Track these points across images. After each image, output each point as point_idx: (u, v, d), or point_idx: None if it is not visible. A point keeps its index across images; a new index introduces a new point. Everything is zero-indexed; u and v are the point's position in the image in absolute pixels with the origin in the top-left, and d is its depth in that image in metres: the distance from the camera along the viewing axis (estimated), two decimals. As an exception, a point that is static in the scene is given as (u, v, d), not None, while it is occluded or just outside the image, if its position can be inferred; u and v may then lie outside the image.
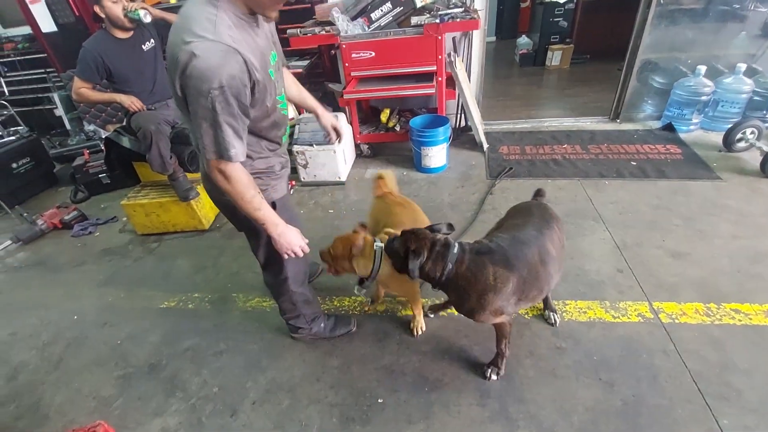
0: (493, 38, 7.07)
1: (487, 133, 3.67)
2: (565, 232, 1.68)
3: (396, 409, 1.65)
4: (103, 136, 3.52)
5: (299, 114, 3.62)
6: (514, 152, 3.45)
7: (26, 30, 4.43)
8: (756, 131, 3.01)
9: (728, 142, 3.09)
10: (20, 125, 4.40)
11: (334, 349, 1.94)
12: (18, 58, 4.59)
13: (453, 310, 2.04)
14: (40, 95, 4.63)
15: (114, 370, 1.98)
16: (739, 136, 3.05)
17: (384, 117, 3.63)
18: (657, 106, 3.73)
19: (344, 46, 3.08)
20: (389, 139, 3.63)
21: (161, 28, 2.56)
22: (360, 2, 3.11)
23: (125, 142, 2.64)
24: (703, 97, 3.33)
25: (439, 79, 3.14)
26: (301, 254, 1.41)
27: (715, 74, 3.41)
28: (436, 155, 3.21)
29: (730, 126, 3.11)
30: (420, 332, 1.94)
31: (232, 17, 1.09)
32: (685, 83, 3.38)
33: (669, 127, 3.53)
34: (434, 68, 3.09)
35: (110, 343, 2.15)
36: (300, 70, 3.67)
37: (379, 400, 1.69)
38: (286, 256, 1.41)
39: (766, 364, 1.65)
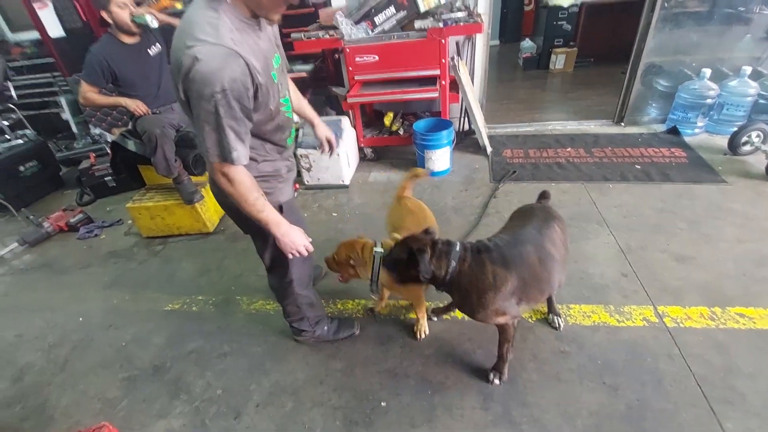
0: (497, 42, 7.08)
1: (490, 137, 3.67)
2: (568, 235, 1.68)
3: (399, 413, 1.65)
4: (109, 140, 3.56)
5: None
6: (517, 155, 3.45)
7: (34, 35, 4.48)
8: (761, 134, 2.99)
9: (733, 145, 3.07)
10: (27, 129, 4.45)
11: (337, 352, 1.94)
12: (26, 62, 4.65)
13: (457, 313, 2.04)
14: (47, 99, 4.68)
15: (119, 372, 2.00)
16: (744, 139, 3.03)
17: (387, 120, 3.64)
18: (661, 110, 3.72)
19: (348, 50, 3.10)
20: (393, 142, 3.64)
21: (168, 33, 2.56)
22: (364, 6, 3.13)
23: (131, 145, 2.66)
24: (708, 101, 3.31)
25: (443, 82, 3.15)
26: (305, 253, 1.42)
27: (720, 77, 3.40)
28: (440, 159, 3.22)
29: (735, 129, 3.09)
30: (423, 335, 1.94)
31: (234, 20, 1.10)
32: (690, 86, 3.37)
33: (674, 131, 3.52)
34: (438, 72, 3.11)
35: (115, 345, 2.16)
36: (304, 74, 3.69)
37: (382, 404, 1.69)
38: (290, 256, 1.42)
39: (771, 368, 1.64)
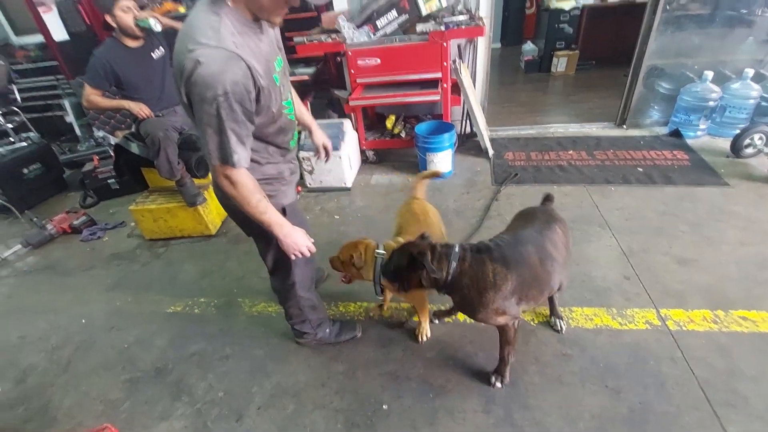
0: (498, 45, 7.10)
1: (492, 140, 3.68)
2: (571, 237, 1.68)
3: (400, 415, 1.65)
4: (113, 142, 3.59)
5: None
6: (519, 158, 3.45)
7: (38, 38, 4.52)
8: (764, 137, 2.99)
9: (736, 147, 3.07)
10: (31, 131, 4.48)
11: (339, 355, 1.94)
12: (30, 65, 4.69)
13: (459, 316, 2.04)
14: (50, 102, 4.71)
15: (121, 374, 2.00)
16: (747, 141, 3.03)
17: (389, 123, 3.65)
18: (664, 112, 3.72)
19: (350, 53, 3.11)
20: (395, 145, 3.65)
21: (171, 36, 2.59)
22: (366, 10, 3.14)
23: (134, 148, 2.68)
24: (711, 103, 3.31)
25: (444, 85, 3.16)
26: (308, 254, 1.43)
27: (722, 80, 3.40)
28: (442, 161, 3.22)
29: (737, 132, 3.09)
30: (425, 338, 1.94)
31: (235, 24, 1.11)
32: (692, 89, 3.37)
33: (676, 133, 3.51)
34: (439, 75, 3.12)
35: (118, 347, 2.17)
36: (306, 77, 3.71)
37: (384, 406, 1.69)
38: (293, 257, 1.42)
39: (775, 372, 1.63)
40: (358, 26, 3.11)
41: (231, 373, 1.93)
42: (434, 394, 1.71)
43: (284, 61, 1.36)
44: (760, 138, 2.99)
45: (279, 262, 1.62)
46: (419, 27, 3.01)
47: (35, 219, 3.31)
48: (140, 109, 2.52)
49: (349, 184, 3.34)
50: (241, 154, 1.17)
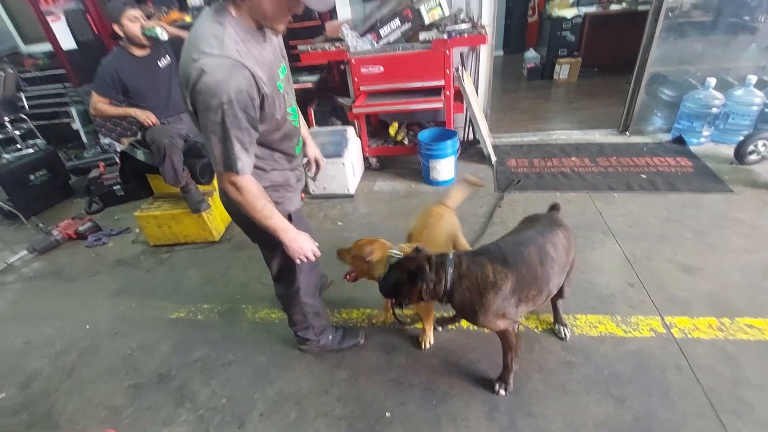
0: (501, 52, 7.12)
1: (495, 146, 3.69)
2: (574, 244, 1.68)
3: (404, 422, 1.64)
4: (119, 149, 3.61)
5: (309, 127, 3.68)
6: (522, 165, 3.46)
7: (47, 47, 4.59)
8: (768, 144, 2.98)
9: (740, 154, 3.06)
10: (38, 138, 4.53)
11: (341, 361, 1.94)
12: (38, 73, 4.75)
13: (463, 323, 2.03)
14: (58, 109, 4.77)
15: (125, 380, 2.01)
16: (750, 148, 3.02)
17: (392, 130, 3.67)
18: (666, 119, 3.72)
19: (353, 61, 3.14)
20: (398, 152, 3.67)
21: (177, 45, 2.62)
22: (369, 19, 3.18)
23: (139, 155, 2.70)
24: (714, 110, 3.31)
25: (447, 93, 3.18)
26: (312, 258, 1.44)
27: (725, 86, 3.40)
28: (444, 168, 3.23)
29: (741, 138, 3.08)
30: (428, 346, 1.93)
31: (239, 32, 1.13)
32: (695, 96, 3.37)
33: (679, 140, 3.51)
34: (442, 83, 3.14)
35: (121, 352, 2.17)
36: (310, 85, 3.74)
37: (387, 414, 1.68)
38: (298, 261, 1.43)
39: (781, 380, 1.62)
40: (362, 35, 3.14)
41: (234, 380, 1.93)
42: (437, 402, 1.71)
43: (288, 68, 1.38)
44: (764, 145, 2.99)
45: (284, 268, 1.63)
46: (422, 35, 3.04)
47: (41, 225, 3.34)
48: (147, 116, 2.55)
49: (352, 191, 3.35)
50: (245, 161, 1.19)
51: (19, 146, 4.25)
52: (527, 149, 3.73)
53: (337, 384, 1.84)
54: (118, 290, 2.66)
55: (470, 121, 3.59)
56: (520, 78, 6.05)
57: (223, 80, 1.06)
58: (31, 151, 3.94)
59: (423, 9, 2.97)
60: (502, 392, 1.68)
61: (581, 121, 4.17)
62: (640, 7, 4.87)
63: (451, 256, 1.45)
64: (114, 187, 3.67)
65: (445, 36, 2.96)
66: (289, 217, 1.45)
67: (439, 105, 3.19)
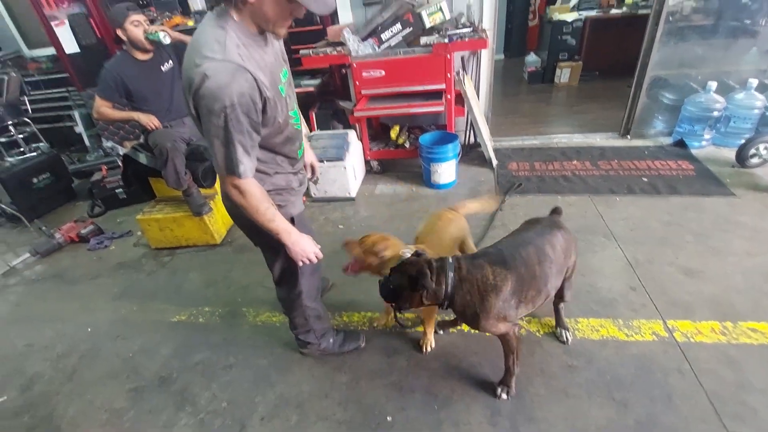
0: (502, 56, 7.14)
1: (496, 150, 3.69)
2: (575, 246, 1.68)
3: (405, 427, 1.64)
4: (121, 153, 3.64)
5: (310, 131, 3.70)
6: (523, 168, 3.46)
7: (50, 51, 4.61)
8: (769, 147, 2.98)
9: (741, 157, 3.06)
10: (41, 141, 4.56)
11: (342, 365, 1.94)
12: (41, 77, 4.79)
13: (464, 327, 2.03)
14: (61, 113, 4.80)
15: (126, 383, 2.01)
16: (752, 151, 3.02)
17: (394, 134, 3.68)
18: (668, 122, 3.72)
19: (355, 65, 3.15)
20: (399, 155, 3.67)
21: (180, 49, 2.65)
22: (370, 23, 3.19)
23: (142, 158, 2.72)
24: (715, 113, 3.31)
25: (448, 96, 3.19)
26: (315, 260, 1.44)
27: (726, 90, 3.40)
28: (446, 171, 3.24)
29: (743, 142, 3.08)
30: (429, 349, 1.93)
31: (241, 37, 1.13)
32: (696, 99, 3.37)
33: (680, 143, 3.51)
34: (443, 86, 3.15)
35: (122, 355, 2.17)
36: (311, 89, 3.76)
37: (388, 418, 1.68)
38: (301, 264, 1.44)
39: (785, 384, 1.61)
40: (363, 39, 3.15)
41: (234, 383, 1.93)
42: (439, 406, 1.70)
43: (289, 72, 1.39)
44: (766, 148, 2.99)
45: (286, 271, 1.63)
46: (423, 39, 3.05)
47: (44, 228, 3.35)
48: (149, 120, 2.56)
49: (353, 194, 3.35)
50: (247, 164, 1.19)
51: (22, 149, 4.28)
52: (528, 152, 3.73)
53: (338, 388, 1.83)
54: (119, 293, 2.67)
55: (471, 124, 3.60)
56: (521, 82, 6.06)
57: (226, 84, 1.07)
58: (34, 154, 3.97)
59: (424, 13, 2.98)
60: (504, 396, 1.67)
61: (582, 125, 4.18)
62: (641, 11, 4.87)
63: (450, 260, 1.45)
64: (116, 191, 3.68)
65: (446, 40, 2.97)
66: (292, 221, 1.46)
67: (441, 108, 3.20)
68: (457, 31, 3.02)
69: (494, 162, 3.52)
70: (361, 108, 3.27)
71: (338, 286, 2.40)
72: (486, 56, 3.57)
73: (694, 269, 2.21)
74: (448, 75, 3.09)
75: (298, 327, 1.85)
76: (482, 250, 1.54)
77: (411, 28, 3.04)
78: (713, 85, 3.28)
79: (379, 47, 3.12)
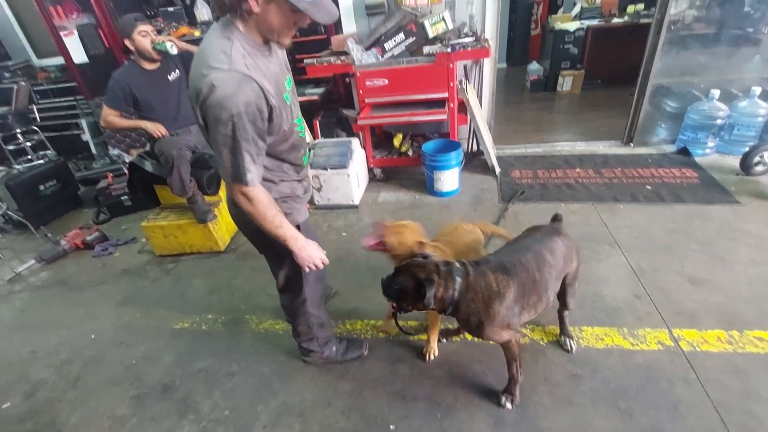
0: (504, 65, 7.19)
1: (499, 158, 3.70)
2: (576, 252, 1.68)
3: (408, 436, 1.63)
4: (127, 160, 3.67)
5: (314, 139, 3.72)
6: (526, 176, 3.46)
7: (59, 60, 4.69)
8: (774, 155, 2.97)
9: (746, 165, 3.05)
10: (49, 149, 4.62)
11: (345, 373, 1.93)
12: (50, 86, 4.86)
13: (467, 335, 2.02)
14: (68, 121, 4.87)
15: (129, 390, 2.01)
16: (756, 159, 3.01)
17: (397, 142, 3.70)
18: (671, 130, 3.72)
19: (358, 74, 3.19)
20: (402, 163, 3.69)
21: (186, 59, 2.69)
22: (374, 33, 3.23)
23: (148, 166, 2.74)
24: (718, 121, 3.31)
25: (451, 105, 3.21)
26: (321, 266, 1.45)
27: (729, 98, 3.41)
28: (449, 179, 3.25)
29: (747, 149, 3.08)
30: (432, 357, 1.92)
31: (246, 47, 1.16)
32: (699, 107, 3.38)
33: (684, 151, 3.51)
34: (446, 95, 3.17)
35: (126, 362, 2.18)
36: (315, 97, 3.80)
37: (391, 427, 1.67)
38: (307, 269, 1.44)
39: (792, 395, 1.59)
40: (367, 48, 3.19)
41: (237, 391, 1.92)
42: (442, 415, 1.69)
43: (292, 80, 1.41)
44: (770, 156, 2.98)
45: (290, 279, 1.64)
46: (426, 49, 3.08)
47: (50, 235, 3.38)
48: (156, 128, 2.59)
49: (356, 202, 3.37)
50: (254, 172, 1.21)
51: (30, 157, 4.34)
52: (531, 160, 3.74)
53: (341, 396, 1.83)
54: (123, 300, 2.68)
55: (474, 132, 3.61)
56: (523, 90, 6.09)
57: (232, 94, 1.09)
58: (41, 162, 4.02)
59: (427, 23, 3.01)
60: (509, 405, 1.66)
61: (585, 133, 4.18)
62: (642, 21, 4.91)
63: (458, 265, 1.44)
64: (122, 198, 3.71)
65: (449, 49, 3.00)
66: (298, 228, 1.46)
67: (443, 117, 3.22)
68: (460, 40, 3.05)
69: (497, 170, 3.53)
70: (365, 116, 3.30)
71: (341, 294, 2.40)
72: (488, 65, 3.59)
73: (700, 278, 2.20)
74: (451, 84, 3.11)
75: (301, 335, 1.85)
76: (482, 257, 1.54)
77: (414, 38, 3.07)
78: (716, 93, 3.29)
79: (382, 56, 3.16)
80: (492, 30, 3.46)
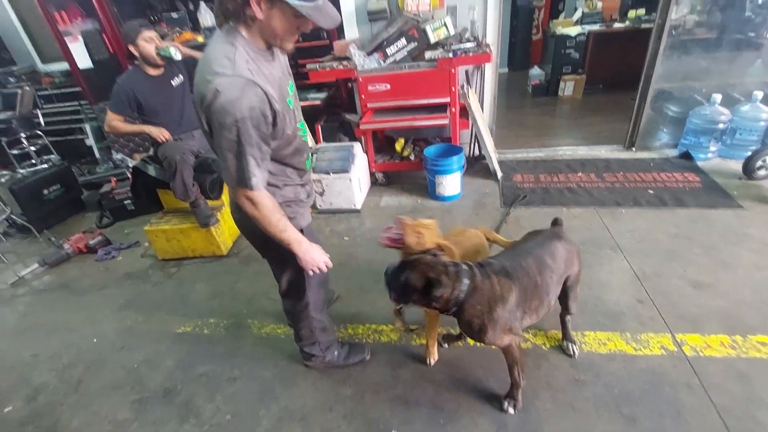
0: (506, 69, 7.22)
1: (500, 162, 3.71)
2: (578, 256, 1.68)
3: (410, 441, 1.62)
4: (130, 165, 3.69)
5: (317, 143, 3.74)
6: (528, 180, 3.46)
7: (64, 66, 4.73)
8: (776, 159, 2.97)
9: (748, 169, 3.05)
10: (53, 154, 4.65)
11: (347, 378, 1.92)
12: (54, 91, 4.90)
13: (469, 340, 2.01)
14: (72, 126, 4.90)
15: (130, 394, 2.00)
16: (759, 163, 3.01)
17: (399, 146, 3.71)
18: (673, 135, 3.72)
19: (361, 79, 3.20)
20: (404, 167, 3.70)
21: (190, 64, 2.71)
22: (376, 39, 3.25)
23: (151, 170, 2.76)
24: (720, 126, 3.31)
25: (453, 110, 3.22)
26: (325, 269, 1.46)
27: (731, 102, 3.41)
28: (450, 183, 3.25)
29: (749, 154, 3.07)
30: (432, 361, 1.91)
31: (249, 52, 1.17)
32: (701, 112, 3.38)
33: (686, 155, 3.50)
34: (448, 100, 3.18)
35: (127, 366, 2.18)
36: (318, 102, 3.81)
37: None
38: (311, 273, 1.45)
39: (797, 401, 1.58)
40: (369, 54, 3.21)
41: (238, 395, 1.92)
42: (445, 420, 1.68)
43: (294, 85, 1.42)
44: (773, 160, 2.97)
45: (293, 283, 1.64)
46: (428, 54, 3.09)
47: (53, 238, 3.39)
48: (160, 132, 2.61)
49: (358, 206, 3.37)
50: (259, 176, 1.22)
51: (34, 161, 4.37)
52: (533, 165, 3.74)
53: (343, 401, 1.82)
54: (125, 304, 2.68)
55: (476, 137, 3.62)
56: (525, 95, 6.10)
57: (236, 99, 1.10)
58: (45, 166, 4.05)
59: (429, 29, 3.03)
60: (511, 410, 1.65)
61: (587, 137, 4.18)
62: (644, 26, 4.92)
63: (465, 267, 1.43)
64: (125, 202, 3.72)
65: (451, 55, 3.01)
66: (301, 232, 1.47)
67: (445, 121, 3.23)
68: (461, 45, 3.07)
69: (499, 174, 3.53)
70: (367, 121, 3.31)
71: (343, 298, 2.40)
72: (490, 70, 3.60)
73: (703, 282, 2.19)
74: (453, 89, 3.12)
75: (303, 339, 1.85)
76: (485, 260, 1.54)
77: (416, 43, 3.09)
78: (718, 97, 3.29)
79: (384, 62, 3.17)
80: (493, 35, 3.47)
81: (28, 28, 4.97)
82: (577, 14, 5.50)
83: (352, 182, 3.23)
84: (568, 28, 5.37)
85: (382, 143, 3.97)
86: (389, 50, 3.13)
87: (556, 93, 5.69)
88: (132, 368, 2.16)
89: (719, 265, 2.30)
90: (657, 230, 2.65)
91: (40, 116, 4.58)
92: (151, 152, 2.81)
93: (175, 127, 2.69)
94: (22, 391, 2.11)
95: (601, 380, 1.75)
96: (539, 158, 3.87)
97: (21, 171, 4.13)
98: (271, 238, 1.34)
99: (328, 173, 3.23)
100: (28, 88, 4.51)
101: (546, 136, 4.42)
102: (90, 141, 4.81)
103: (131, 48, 2.52)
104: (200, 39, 4.04)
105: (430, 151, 3.37)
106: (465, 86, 3.33)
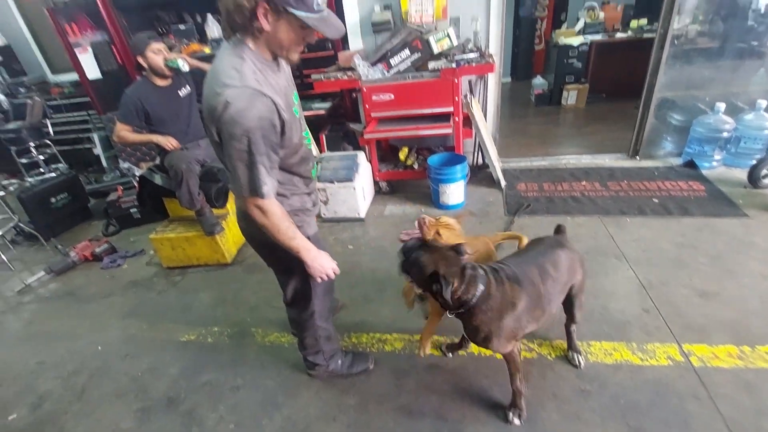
0: (509, 79, 7.26)
1: (504, 171, 3.71)
2: (581, 264, 1.67)
3: (414, 452, 1.61)
4: (137, 174, 3.73)
5: (321, 153, 3.76)
6: (531, 189, 3.46)
7: (73, 76, 4.82)
8: (781, 168, 2.95)
9: (753, 178, 3.04)
10: (61, 162, 4.71)
11: (351, 387, 1.92)
12: (63, 101, 4.98)
13: (473, 349, 2.00)
14: (80, 135, 4.97)
15: (134, 403, 2.00)
16: (764, 172, 3.00)
17: (402, 155, 3.73)
18: (677, 143, 3.71)
19: (365, 89, 3.23)
20: (408, 176, 3.71)
21: (197, 75, 2.75)
22: (380, 49, 3.29)
23: (157, 179, 2.79)
24: (724, 134, 3.30)
25: (456, 119, 3.24)
26: (333, 276, 1.47)
27: (735, 111, 3.41)
28: (454, 192, 3.26)
29: (754, 162, 3.06)
30: (423, 354, 1.76)
31: (256, 63, 1.19)
32: (705, 120, 3.37)
33: (690, 164, 3.50)
34: (451, 109, 3.20)
35: (131, 374, 2.18)
36: (322, 112, 3.85)
37: (397, 442, 1.65)
38: (319, 280, 1.46)
39: (808, 412, 1.55)
40: (373, 64, 3.24)
41: (242, 404, 1.92)
42: (449, 430, 1.67)
43: (297, 95, 1.44)
44: (778, 169, 2.96)
45: (299, 292, 1.64)
46: (431, 64, 3.12)
47: (60, 246, 3.42)
48: (168, 141, 2.64)
49: (362, 215, 3.38)
50: (270, 184, 1.23)
51: (42, 170, 4.42)
52: (537, 173, 3.74)
53: (346, 411, 1.81)
54: (130, 312, 2.69)
55: (479, 146, 3.63)
56: (528, 104, 6.12)
57: (246, 109, 1.12)
58: (53, 174, 4.10)
59: (432, 39, 3.06)
60: (516, 421, 1.64)
61: (590, 146, 4.18)
62: (646, 35, 4.95)
63: (482, 272, 1.42)
64: (131, 210, 3.76)
65: (454, 65, 3.04)
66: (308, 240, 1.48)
67: (449, 131, 3.25)
68: (465, 56, 3.10)
69: (503, 183, 3.54)
70: (371, 130, 3.33)
71: (348, 307, 2.40)
72: (493, 80, 3.63)
73: (709, 291, 2.17)
74: (456, 98, 3.15)
75: (307, 348, 1.85)
76: (493, 266, 1.50)
77: (419, 54, 3.12)
78: (722, 106, 3.29)
79: (388, 72, 3.21)
80: (496, 45, 3.50)
81: (39, 39, 5.08)
82: (580, 24, 5.53)
83: (356, 191, 3.24)
84: (571, 38, 5.41)
85: (385, 152, 3.99)
86: (393, 61, 3.17)
87: (559, 102, 5.70)
88: (136, 376, 2.16)
89: (725, 274, 2.28)
90: (662, 239, 2.63)
91: (49, 126, 4.65)
92: (157, 161, 2.84)
93: (182, 136, 2.72)
94: (27, 399, 2.11)
95: (608, 391, 1.73)
96: (543, 167, 3.87)
97: (29, 179, 4.18)
98: (280, 246, 1.35)
99: (332, 182, 3.25)
100: (37, 98, 4.59)
101: (549, 144, 4.42)
102: (98, 150, 4.87)
103: (140, 59, 2.56)
104: (207, 50, 4.11)
105: (433, 160, 3.38)
106: (468, 96, 3.35)
